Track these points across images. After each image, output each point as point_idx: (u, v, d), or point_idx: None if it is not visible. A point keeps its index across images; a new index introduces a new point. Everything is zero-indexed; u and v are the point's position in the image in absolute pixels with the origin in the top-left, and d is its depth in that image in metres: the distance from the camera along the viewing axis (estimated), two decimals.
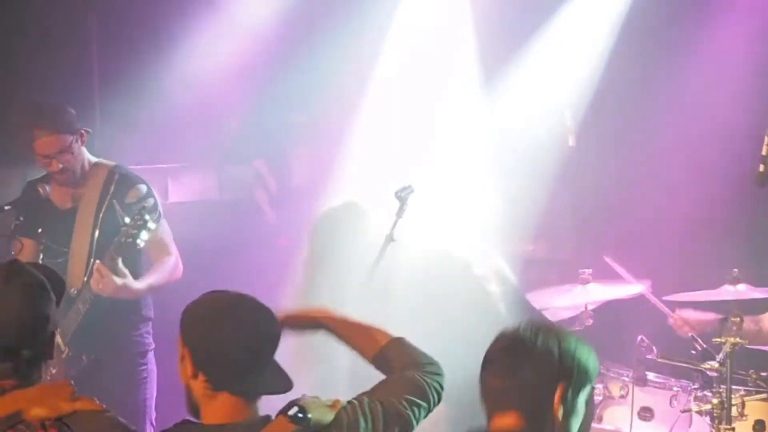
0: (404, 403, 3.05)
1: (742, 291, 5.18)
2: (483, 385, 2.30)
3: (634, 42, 6.26)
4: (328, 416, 2.94)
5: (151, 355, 5.44)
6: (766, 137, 4.51)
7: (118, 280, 4.90)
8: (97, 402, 2.81)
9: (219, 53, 6.70)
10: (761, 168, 4.45)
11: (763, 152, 4.73)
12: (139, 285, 5.12)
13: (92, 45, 7.10)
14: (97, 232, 5.19)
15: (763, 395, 5.26)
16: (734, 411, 5.02)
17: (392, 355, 3.19)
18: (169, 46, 6.65)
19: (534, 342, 2.23)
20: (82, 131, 5.23)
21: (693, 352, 5.31)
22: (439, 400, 3.15)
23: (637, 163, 6.46)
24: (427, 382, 3.11)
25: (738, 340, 4.81)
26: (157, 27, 6.77)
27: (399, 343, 3.20)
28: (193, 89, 6.59)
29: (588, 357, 2.25)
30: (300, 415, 2.78)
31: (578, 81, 6.28)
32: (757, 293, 5.26)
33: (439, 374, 3.18)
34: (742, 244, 6.06)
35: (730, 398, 4.96)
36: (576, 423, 2.25)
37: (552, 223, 6.32)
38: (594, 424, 5.09)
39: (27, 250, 5.28)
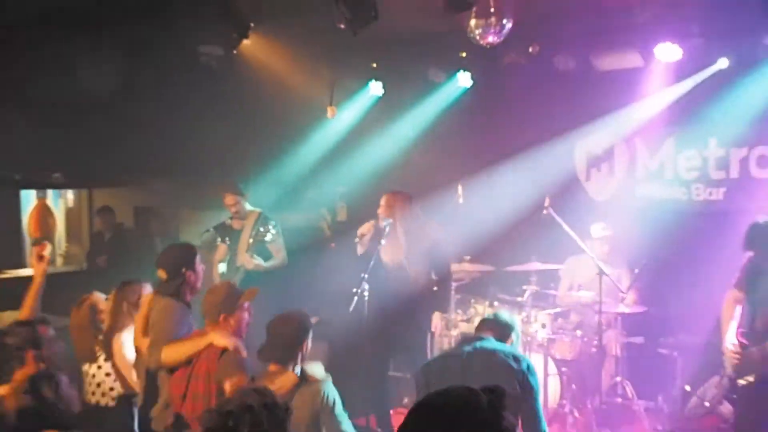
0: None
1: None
2: None
3: None
4: (322, 374, 4.56)
5: None
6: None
7: (256, 261, 8.08)
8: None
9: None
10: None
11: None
12: (265, 264, 8.13)
13: (248, 149, 9.77)
14: (250, 240, 8.12)
15: None
16: None
17: None
18: (293, 144, 9.73)
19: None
20: (245, 194, 8.32)
21: None
22: None
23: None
24: None
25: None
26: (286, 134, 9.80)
27: None
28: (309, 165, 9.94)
29: None
30: (300, 371, 4.42)
31: None
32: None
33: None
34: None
35: None
36: None
37: None
38: None
39: (222, 250, 8.34)
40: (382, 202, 7.52)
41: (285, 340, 4.66)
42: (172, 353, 4.94)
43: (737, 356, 5.94)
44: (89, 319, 5.77)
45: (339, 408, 4.57)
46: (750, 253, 6.13)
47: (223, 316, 4.94)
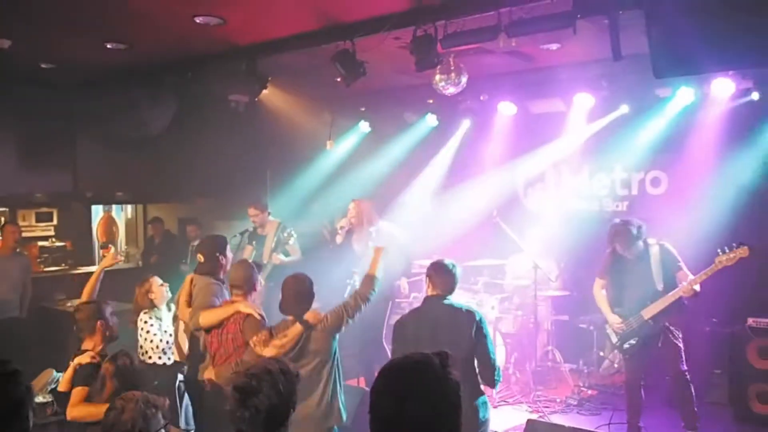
0: (351, 302, 4.70)
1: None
2: None
3: None
4: (317, 320, 4.55)
5: None
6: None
7: (281, 258, 8.14)
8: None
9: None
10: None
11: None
12: (286, 260, 8.12)
13: (267, 174, 10.12)
14: (273, 244, 8.20)
15: None
16: None
17: (365, 280, 4.87)
18: (303, 166, 10.00)
19: None
20: (267, 210, 8.43)
21: None
22: (369, 300, 4.73)
23: None
24: (366, 293, 4.75)
25: None
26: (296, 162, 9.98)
27: (371, 277, 4.85)
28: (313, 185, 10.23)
29: None
30: (303, 319, 4.46)
31: None
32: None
33: (374, 292, 4.77)
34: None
35: None
36: None
37: None
38: None
39: (248, 250, 8.25)
40: (351, 206, 7.63)
41: (296, 297, 4.67)
42: (207, 317, 4.99)
43: (622, 326, 6.11)
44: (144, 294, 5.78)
45: (336, 313, 4.67)
46: (609, 249, 6.33)
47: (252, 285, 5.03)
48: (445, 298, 4.55)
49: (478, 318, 4.45)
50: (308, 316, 4.58)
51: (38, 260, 9.74)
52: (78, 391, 4.37)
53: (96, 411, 4.10)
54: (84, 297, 5.49)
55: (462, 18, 5.55)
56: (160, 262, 10.09)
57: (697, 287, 5.75)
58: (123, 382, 4.11)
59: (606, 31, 5.01)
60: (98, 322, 4.77)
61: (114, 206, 11.85)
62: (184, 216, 11.41)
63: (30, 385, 2.28)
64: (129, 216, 12.27)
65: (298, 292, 4.67)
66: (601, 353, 7.93)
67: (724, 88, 6.87)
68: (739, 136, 7.19)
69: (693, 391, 6.04)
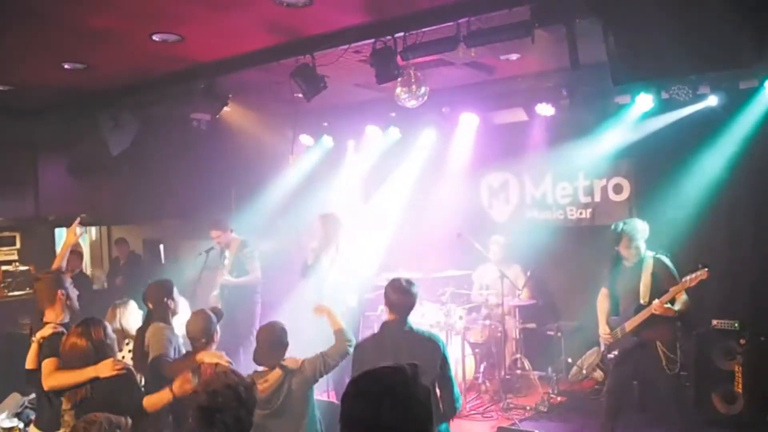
0: (331, 354, 4.65)
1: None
2: None
3: None
4: (297, 365, 4.53)
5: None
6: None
7: (228, 279, 8.07)
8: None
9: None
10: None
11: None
12: (234, 281, 8.07)
13: (231, 191, 10.06)
14: (229, 262, 8.11)
15: None
16: None
17: (337, 335, 4.81)
18: (267, 183, 9.55)
19: None
20: (230, 229, 8.31)
21: None
22: (348, 354, 4.63)
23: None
24: (344, 348, 4.70)
25: None
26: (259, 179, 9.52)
27: (340, 330, 4.81)
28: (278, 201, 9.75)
29: None
30: (282, 365, 4.46)
31: None
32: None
33: (351, 343, 4.69)
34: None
35: None
36: None
37: None
38: None
39: (220, 274, 8.20)
40: (318, 223, 7.58)
41: (271, 345, 4.60)
42: (172, 372, 4.70)
43: (609, 337, 6.05)
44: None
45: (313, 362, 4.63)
46: (611, 257, 6.17)
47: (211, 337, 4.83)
48: (405, 323, 4.37)
49: (441, 347, 4.33)
50: (287, 361, 4.55)
51: (2, 285, 9.51)
52: (48, 362, 4.29)
53: (74, 377, 4.07)
54: (54, 266, 5.41)
55: (421, 30, 5.48)
56: (126, 283, 9.88)
57: (679, 305, 5.63)
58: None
59: (564, 41, 4.99)
60: (59, 291, 4.70)
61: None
62: (149, 237, 11.23)
63: None
64: (93, 238, 12.06)
65: (272, 342, 4.62)
66: (569, 360, 7.91)
67: (681, 93, 6.84)
68: (698, 140, 7.23)
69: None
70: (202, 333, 4.75)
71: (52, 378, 4.21)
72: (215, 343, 4.87)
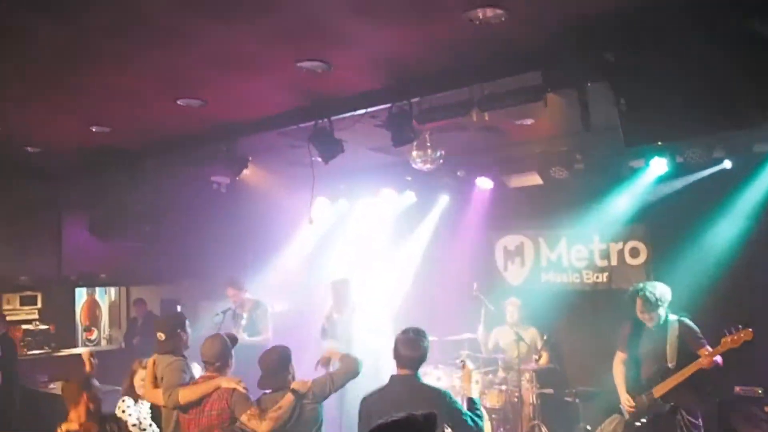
0: (339, 373, 4.76)
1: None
2: None
3: None
4: (306, 388, 4.61)
5: None
6: None
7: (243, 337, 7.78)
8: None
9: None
10: None
11: None
12: (249, 339, 7.83)
13: (248, 257, 9.94)
14: (244, 322, 8.09)
15: None
16: None
17: (343, 358, 4.93)
18: (283, 244, 9.89)
19: None
20: (245, 288, 8.39)
21: None
22: (358, 372, 4.77)
23: None
24: (353, 365, 4.81)
25: None
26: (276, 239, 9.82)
27: (345, 354, 4.94)
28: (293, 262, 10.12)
29: None
30: (293, 389, 4.53)
31: None
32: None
33: (359, 362, 4.81)
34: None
35: None
36: None
37: None
38: None
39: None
40: (330, 290, 7.70)
41: (274, 369, 4.63)
42: (188, 394, 4.78)
43: (632, 407, 5.91)
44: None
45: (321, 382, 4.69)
46: (629, 320, 6.13)
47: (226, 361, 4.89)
48: (415, 377, 4.28)
49: (448, 398, 4.23)
50: (296, 385, 4.57)
51: (21, 343, 9.67)
52: None
53: None
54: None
55: (435, 95, 5.59)
56: (143, 343, 9.85)
57: (719, 359, 5.56)
58: None
59: (577, 105, 5.06)
60: (84, 394, 4.70)
61: (97, 289, 11.77)
62: (167, 297, 11.25)
63: None
64: (113, 299, 12.14)
65: (274, 364, 4.65)
66: (588, 427, 7.69)
67: (696, 156, 6.87)
68: (713, 203, 7.15)
69: None
70: (216, 357, 4.78)
71: None
72: (230, 368, 4.90)
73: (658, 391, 5.70)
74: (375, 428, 2.12)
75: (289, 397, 4.51)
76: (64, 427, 4.62)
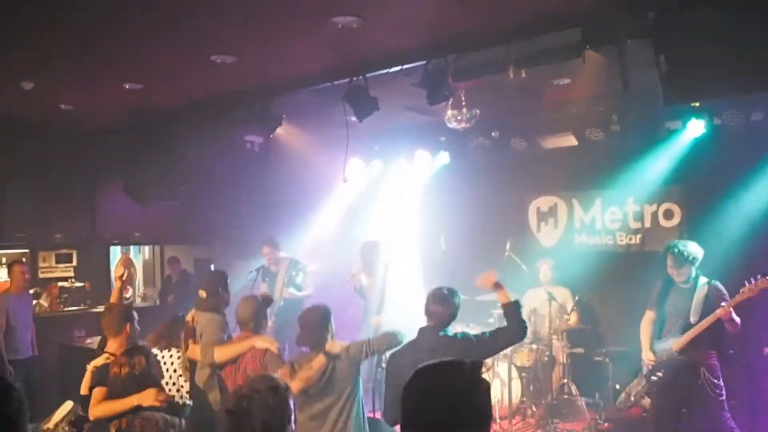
0: (377, 341, 4.71)
1: None
2: None
3: None
4: (341, 349, 4.59)
5: None
6: None
7: (291, 291, 8.34)
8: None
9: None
10: None
11: None
12: (297, 293, 8.33)
13: (282, 218, 9.76)
14: (284, 280, 8.34)
15: None
16: None
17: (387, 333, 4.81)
18: (317, 204, 10.05)
19: None
20: (280, 248, 8.60)
21: None
22: (398, 343, 4.63)
23: None
24: (391, 337, 4.69)
25: None
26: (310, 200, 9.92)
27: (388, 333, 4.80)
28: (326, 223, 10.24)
29: None
30: (326, 351, 4.54)
31: None
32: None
33: (400, 335, 4.67)
34: None
35: None
36: None
37: None
38: None
39: (262, 288, 8.27)
40: (360, 253, 7.75)
41: (313, 327, 4.64)
42: (223, 352, 4.90)
43: (652, 361, 6.02)
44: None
45: (358, 345, 4.65)
46: (661, 279, 6.20)
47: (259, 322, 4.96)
48: (441, 329, 4.41)
49: (473, 338, 4.41)
50: (330, 346, 4.57)
51: (58, 300, 9.91)
52: (97, 391, 4.44)
53: (118, 406, 4.23)
54: (113, 300, 5.57)
55: (472, 52, 5.59)
56: (177, 300, 10.10)
57: (735, 317, 5.62)
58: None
59: (614, 66, 5.06)
60: (127, 325, 4.86)
61: (132, 248, 11.95)
62: (200, 257, 11.45)
63: (23, 400, 2.22)
64: (146, 257, 12.34)
65: (313, 322, 4.65)
66: (617, 386, 7.78)
67: (734, 118, 6.84)
68: (750, 165, 7.16)
69: None
70: (251, 318, 4.87)
71: (98, 408, 4.40)
72: (264, 329, 5.00)
73: (678, 344, 5.80)
74: (422, 368, 2.12)
75: (321, 359, 4.53)
76: (92, 363, 4.73)
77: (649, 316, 6.24)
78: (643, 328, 6.25)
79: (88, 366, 4.76)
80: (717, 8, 4.29)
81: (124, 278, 5.75)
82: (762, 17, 4.11)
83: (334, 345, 4.60)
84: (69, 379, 7.84)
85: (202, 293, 5.39)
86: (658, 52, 4.51)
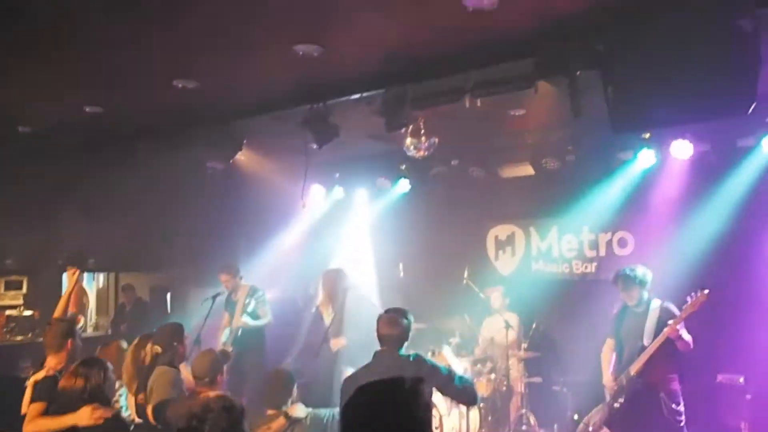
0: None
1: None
2: None
3: None
4: (302, 414, 4.80)
5: None
6: None
7: (247, 320, 8.19)
8: None
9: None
10: None
11: None
12: (253, 323, 8.24)
13: (242, 244, 10.04)
14: (243, 307, 8.22)
15: None
16: None
17: None
18: (277, 231, 10.05)
19: None
20: (239, 275, 8.50)
21: None
22: None
23: None
24: None
25: None
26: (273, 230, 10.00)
27: None
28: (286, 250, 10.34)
29: None
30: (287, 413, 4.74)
31: None
32: None
33: None
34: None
35: None
36: None
37: None
38: None
39: (225, 318, 8.36)
40: (321, 279, 7.80)
41: (277, 390, 4.80)
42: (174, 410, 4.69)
43: (613, 385, 6.17)
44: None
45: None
46: (616, 306, 6.42)
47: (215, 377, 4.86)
48: (396, 351, 4.49)
49: (425, 360, 4.46)
50: (291, 410, 4.71)
51: (5, 329, 9.66)
52: (34, 407, 4.34)
53: (52, 425, 4.09)
54: (56, 314, 5.56)
55: (429, 80, 5.79)
56: (131, 329, 9.99)
57: (686, 335, 5.83)
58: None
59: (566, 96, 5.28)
60: (69, 341, 4.79)
61: (85, 275, 11.67)
62: (156, 285, 11.35)
63: None
64: (100, 285, 12.19)
65: (276, 385, 4.83)
66: (576, 416, 7.85)
67: (682, 149, 7.15)
68: (699, 193, 7.43)
69: None
70: (206, 372, 4.79)
71: (33, 424, 4.28)
72: (219, 384, 4.87)
73: (634, 367, 5.96)
74: (360, 388, 2.13)
75: (281, 420, 4.64)
76: (32, 378, 4.61)
77: (608, 343, 6.44)
78: (604, 355, 6.44)
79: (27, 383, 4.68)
80: (660, 42, 4.55)
81: (75, 280, 5.82)
82: (700, 53, 4.36)
83: (296, 409, 4.72)
84: (11, 413, 7.82)
85: (158, 348, 5.29)
86: (606, 82, 4.75)
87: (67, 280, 6.16)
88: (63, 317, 5.45)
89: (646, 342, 5.97)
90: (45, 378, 4.55)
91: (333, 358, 7.32)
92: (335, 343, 7.40)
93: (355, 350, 6.90)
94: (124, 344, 5.98)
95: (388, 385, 2.15)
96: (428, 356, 6.00)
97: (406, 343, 4.55)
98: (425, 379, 3.92)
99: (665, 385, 5.95)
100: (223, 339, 8.48)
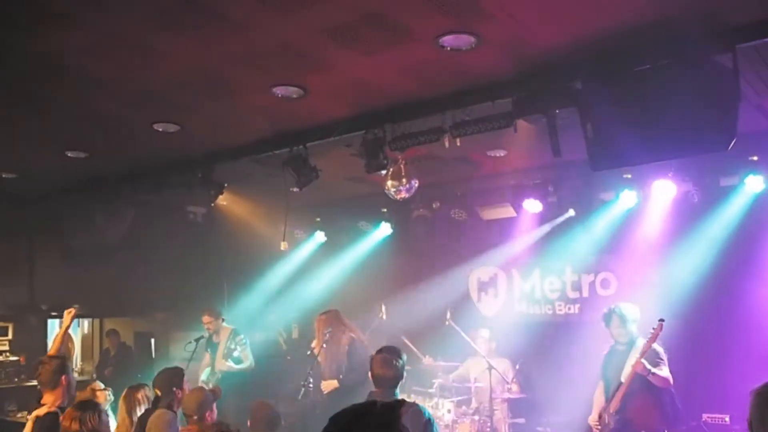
0: None
1: None
2: None
3: None
4: None
5: None
6: None
7: (229, 365, 8.02)
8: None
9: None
10: None
11: None
12: (236, 367, 8.07)
13: (224, 283, 9.87)
14: (225, 351, 8.08)
15: None
16: None
17: None
18: (259, 274, 9.82)
19: None
20: (221, 317, 8.37)
21: None
22: None
23: None
24: None
25: None
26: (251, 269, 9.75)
27: None
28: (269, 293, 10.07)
29: None
30: None
31: None
32: None
33: None
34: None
35: None
36: None
37: None
38: None
39: (206, 358, 8.27)
40: (316, 324, 7.65)
41: (263, 424, 4.74)
42: None
43: (597, 423, 5.99)
44: None
45: None
46: (607, 346, 6.30)
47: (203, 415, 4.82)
48: (392, 395, 4.27)
49: (424, 412, 4.21)
50: None
51: None
52: None
53: None
54: (51, 352, 5.59)
55: (408, 121, 5.66)
56: (115, 375, 9.68)
57: (662, 372, 5.72)
58: None
59: (546, 136, 5.13)
60: (63, 377, 4.75)
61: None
62: (140, 330, 11.08)
63: None
64: (85, 331, 11.89)
65: (268, 418, 4.78)
66: None
67: (664, 189, 7.03)
68: (682, 233, 7.31)
69: None
70: (195, 409, 4.76)
71: None
72: (208, 422, 4.80)
73: (613, 404, 5.85)
74: (335, 415, 2.01)
75: None
76: (33, 413, 4.58)
77: (600, 386, 6.29)
78: (596, 398, 6.29)
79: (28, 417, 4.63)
80: (638, 80, 4.44)
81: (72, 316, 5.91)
82: (679, 90, 4.25)
83: None
84: None
85: (157, 391, 5.23)
86: (584, 120, 4.61)
87: (63, 318, 6.25)
88: (56, 354, 5.39)
89: (623, 379, 5.86)
90: (47, 414, 4.54)
91: (324, 400, 7.27)
92: (327, 386, 7.28)
93: (345, 392, 6.84)
94: (100, 385, 5.94)
95: (362, 409, 2.00)
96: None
97: (401, 383, 4.37)
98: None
99: (643, 422, 5.78)
100: (203, 377, 8.35)
